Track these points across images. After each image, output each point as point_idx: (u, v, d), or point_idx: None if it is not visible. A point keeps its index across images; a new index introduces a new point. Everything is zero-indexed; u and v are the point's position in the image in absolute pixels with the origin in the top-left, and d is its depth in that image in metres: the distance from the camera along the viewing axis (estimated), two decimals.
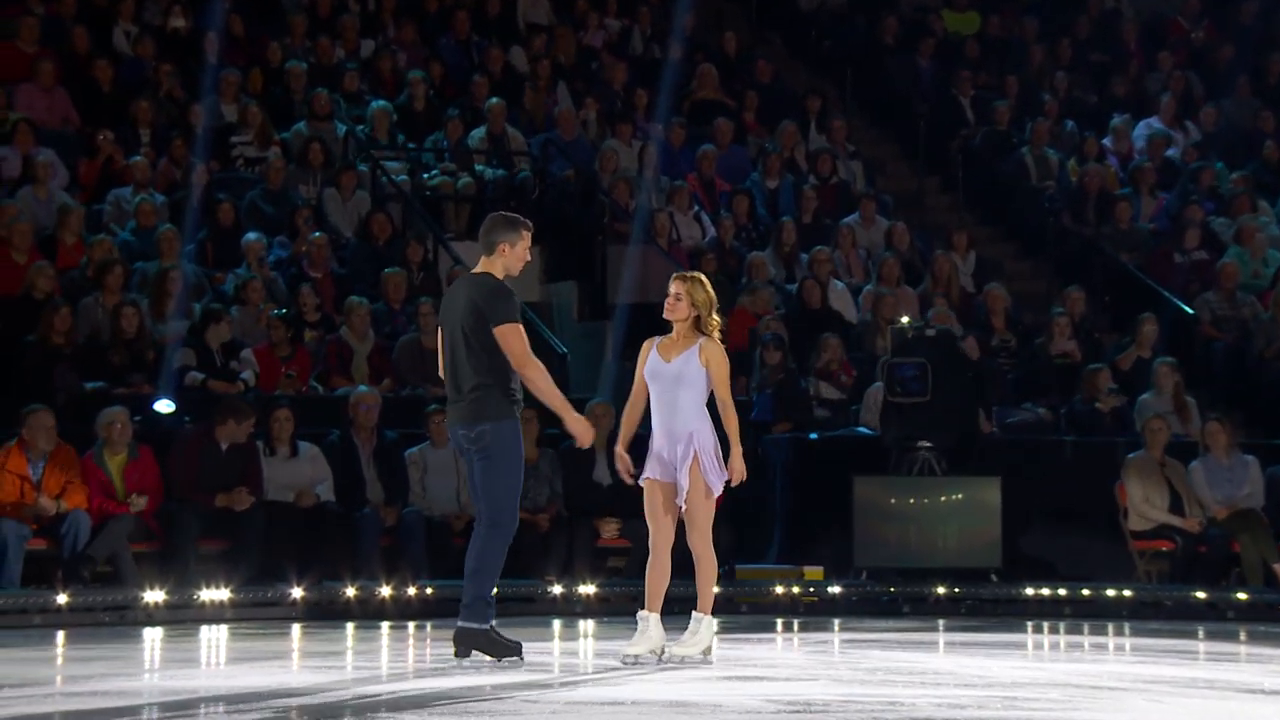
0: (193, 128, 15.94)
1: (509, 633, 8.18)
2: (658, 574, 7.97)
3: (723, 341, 8.09)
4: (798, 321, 15.09)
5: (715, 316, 8.09)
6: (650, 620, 8.00)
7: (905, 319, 13.62)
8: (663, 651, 7.98)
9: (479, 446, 7.86)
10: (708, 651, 8.03)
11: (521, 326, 7.88)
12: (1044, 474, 13.26)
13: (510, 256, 7.97)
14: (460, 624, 7.92)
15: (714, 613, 11.80)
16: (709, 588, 8.00)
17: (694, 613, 8.05)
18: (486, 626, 7.92)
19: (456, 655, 7.93)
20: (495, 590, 8.00)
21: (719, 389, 8.02)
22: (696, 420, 7.93)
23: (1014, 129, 18.92)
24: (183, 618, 11.00)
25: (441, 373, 8.12)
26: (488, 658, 7.91)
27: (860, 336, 15.26)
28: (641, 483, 7.95)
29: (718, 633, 8.30)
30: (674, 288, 8.04)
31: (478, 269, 8.04)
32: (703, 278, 8.13)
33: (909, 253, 16.70)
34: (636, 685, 7.31)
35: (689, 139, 17.98)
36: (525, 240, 7.98)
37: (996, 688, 7.32)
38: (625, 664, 7.88)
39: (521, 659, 7.94)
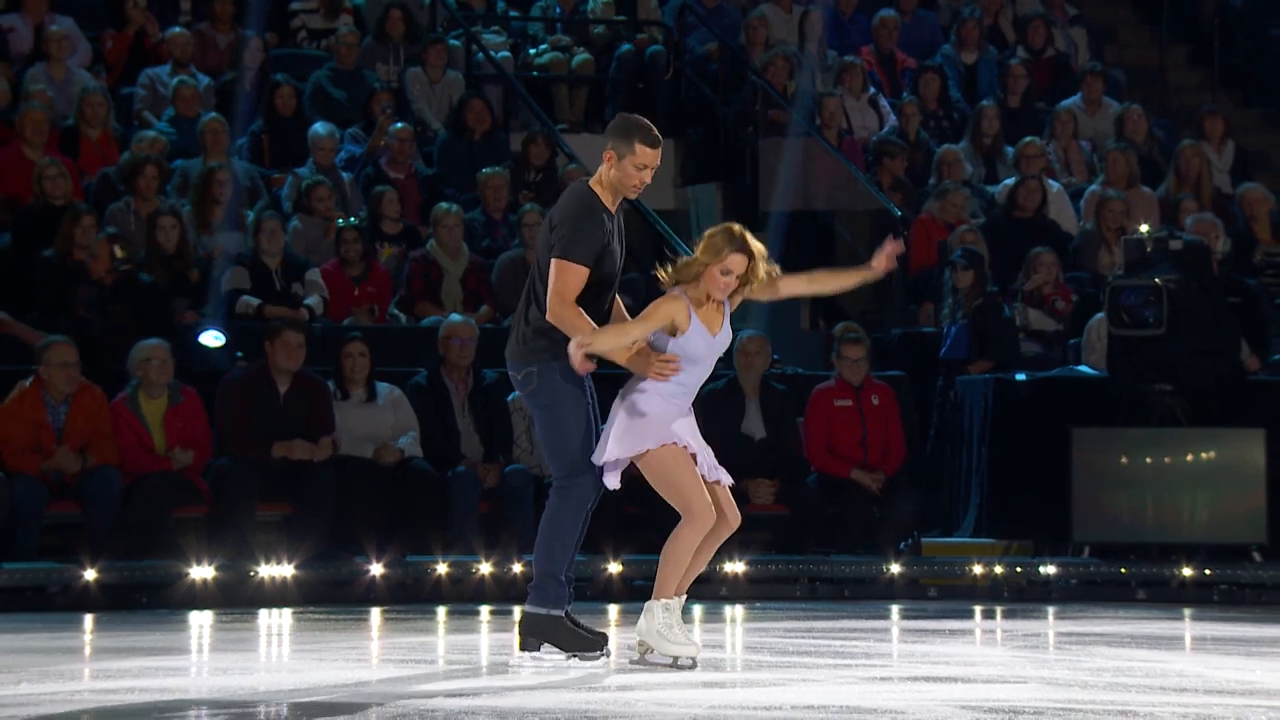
0: None
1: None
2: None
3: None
4: (1001, 233, 14.95)
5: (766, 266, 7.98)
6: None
7: (1145, 227, 13.42)
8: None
9: (527, 391, 7.97)
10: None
11: (578, 272, 7.75)
12: None
13: (617, 171, 7.88)
14: (527, 609, 7.99)
15: (894, 596, 11.79)
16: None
17: (681, 597, 8.00)
18: (560, 613, 7.97)
19: (522, 647, 7.98)
20: (572, 568, 8.04)
21: (786, 284, 8.07)
22: None
23: None
24: (237, 599, 11.18)
25: None
26: (559, 651, 7.96)
27: (1081, 251, 15.08)
28: (665, 447, 7.83)
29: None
30: (734, 264, 7.82)
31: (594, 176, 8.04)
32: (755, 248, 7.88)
33: (1147, 144, 16.44)
34: (799, 688, 7.32)
35: (863, 3, 17.82)
36: (640, 155, 7.83)
37: (1259, 696, 7.24)
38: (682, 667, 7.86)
39: (605, 654, 7.98)
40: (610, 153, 7.89)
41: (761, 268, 7.88)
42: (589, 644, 7.96)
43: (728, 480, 8.01)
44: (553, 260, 7.79)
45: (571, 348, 7.66)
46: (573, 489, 7.93)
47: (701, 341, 7.88)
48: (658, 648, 7.88)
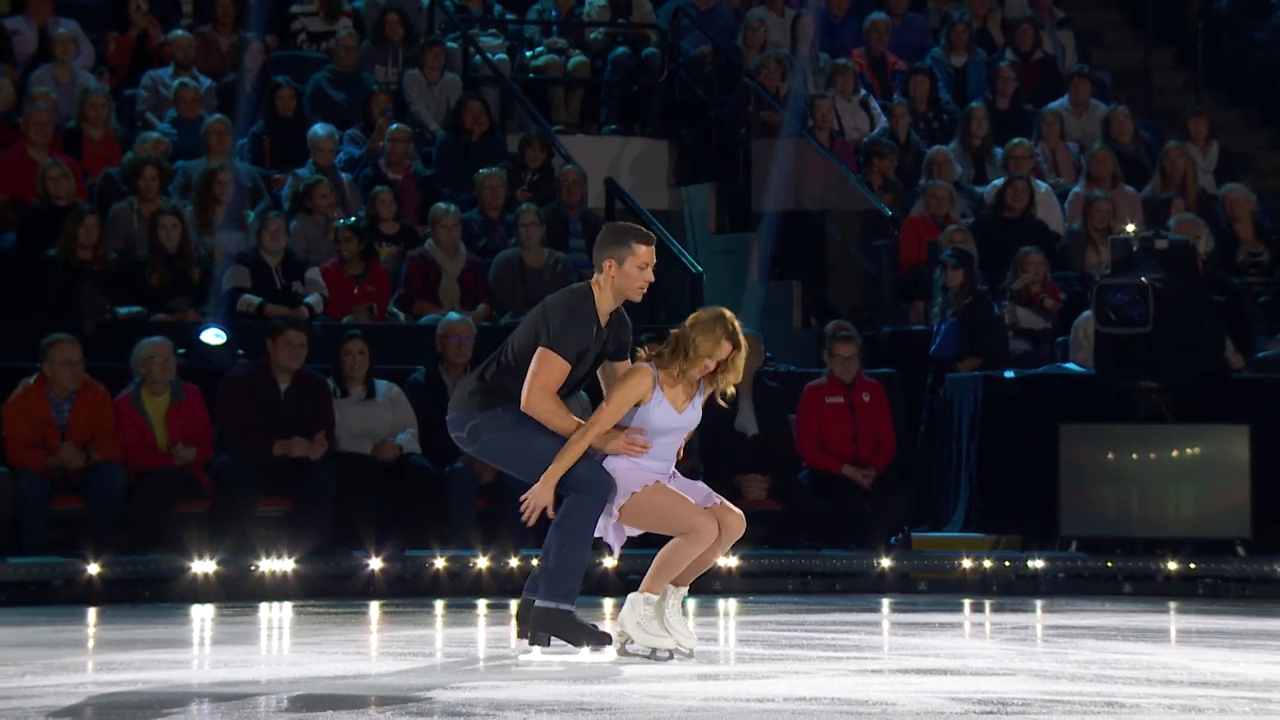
0: None
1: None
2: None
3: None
4: (990, 232, 14.95)
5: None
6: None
7: (1131, 227, 13.43)
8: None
9: (476, 446, 8.02)
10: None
11: (563, 365, 7.84)
12: None
13: (620, 278, 7.95)
14: (538, 603, 7.99)
15: (884, 590, 11.78)
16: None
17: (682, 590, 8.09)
18: (571, 607, 7.99)
19: (533, 642, 7.98)
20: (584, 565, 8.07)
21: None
22: None
23: None
24: (238, 593, 11.17)
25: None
26: (568, 645, 7.96)
27: (1068, 251, 15.08)
28: (647, 486, 7.91)
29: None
30: (723, 352, 7.88)
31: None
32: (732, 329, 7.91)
33: (1132, 145, 16.44)
34: (790, 680, 7.32)
35: (854, 6, 17.82)
36: (639, 255, 7.92)
37: (1244, 688, 7.24)
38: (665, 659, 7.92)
39: (608, 647, 7.99)
40: (610, 262, 7.94)
41: (740, 361, 7.91)
42: (598, 638, 7.98)
43: (721, 500, 8.05)
44: (540, 349, 7.85)
45: (540, 487, 7.77)
46: (588, 487, 7.92)
47: (666, 416, 7.91)
48: (637, 639, 7.93)
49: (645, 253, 7.94)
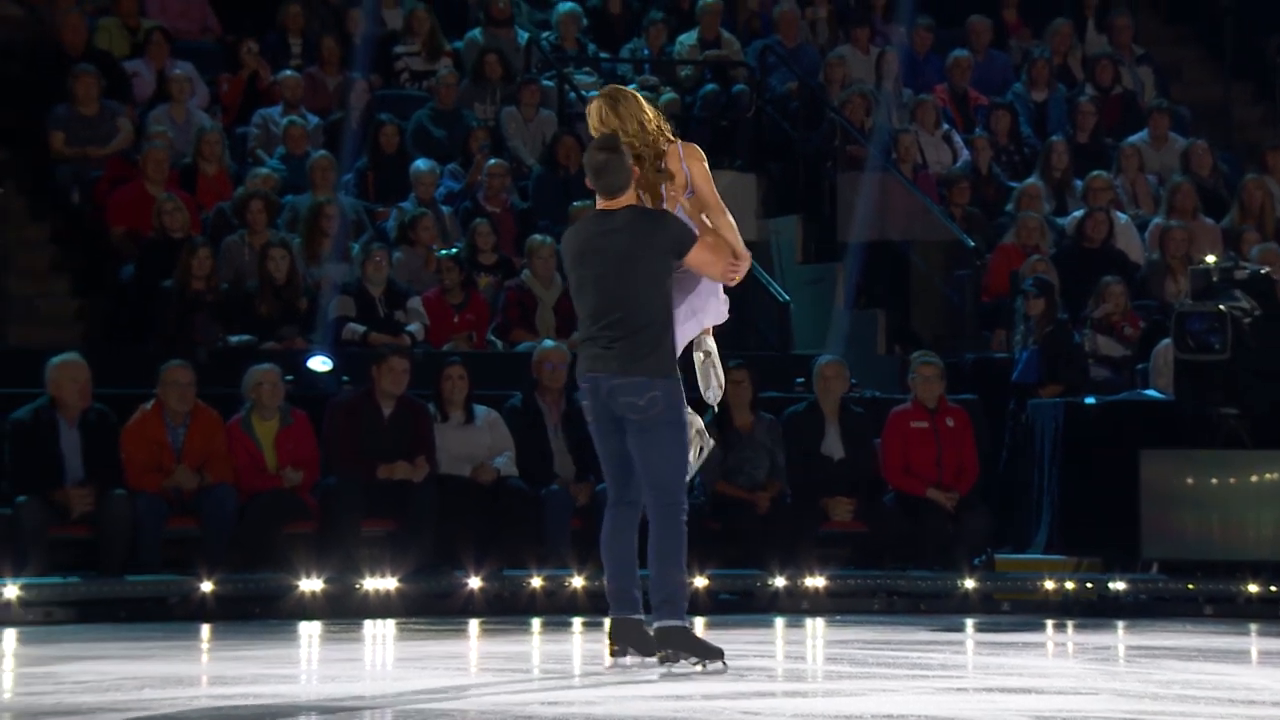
0: (350, 37, 16.22)
1: (722, 634, 8.23)
2: None
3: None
4: (1071, 262, 14.87)
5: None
6: None
7: (1211, 258, 13.33)
8: None
9: (649, 415, 7.95)
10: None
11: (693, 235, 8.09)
12: None
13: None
14: (660, 623, 8.01)
15: (968, 610, 11.68)
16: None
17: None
18: (689, 624, 8.03)
19: (662, 660, 8.01)
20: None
21: None
22: None
23: None
24: (344, 610, 11.26)
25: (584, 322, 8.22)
26: (691, 660, 7.99)
27: (1148, 280, 14.99)
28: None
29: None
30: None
31: (618, 204, 8.08)
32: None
33: (1211, 178, 16.32)
34: (878, 698, 7.30)
35: (937, 44, 17.78)
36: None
37: None
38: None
39: (725, 666, 8.01)
40: (635, 167, 8.06)
41: None
42: (716, 652, 8.03)
43: None
44: (698, 247, 7.98)
45: (744, 262, 8.13)
46: (679, 509, 7.99)
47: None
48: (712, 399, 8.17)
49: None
